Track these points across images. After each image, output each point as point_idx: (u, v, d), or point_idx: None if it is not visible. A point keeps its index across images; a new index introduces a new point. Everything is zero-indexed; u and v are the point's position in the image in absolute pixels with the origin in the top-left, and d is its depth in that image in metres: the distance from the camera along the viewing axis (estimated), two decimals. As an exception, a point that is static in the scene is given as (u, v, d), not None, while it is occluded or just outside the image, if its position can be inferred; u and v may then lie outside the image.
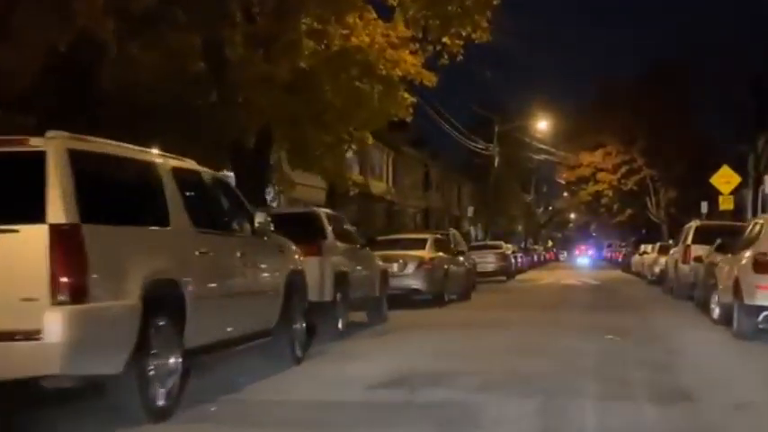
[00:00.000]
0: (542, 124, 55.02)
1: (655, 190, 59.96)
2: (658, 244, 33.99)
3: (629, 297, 24.67)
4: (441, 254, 21.65)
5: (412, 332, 14.37)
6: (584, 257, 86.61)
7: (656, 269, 31.06)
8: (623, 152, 58.19)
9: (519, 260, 46.04)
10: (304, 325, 10.12)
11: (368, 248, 15.87)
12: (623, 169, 58.71)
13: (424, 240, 21.96)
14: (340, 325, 12.95)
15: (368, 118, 20.77)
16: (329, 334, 12.36)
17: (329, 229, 13.54)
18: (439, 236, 24.18)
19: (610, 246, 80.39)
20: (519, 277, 39.94)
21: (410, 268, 19.79)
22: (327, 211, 15.51)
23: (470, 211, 59.35)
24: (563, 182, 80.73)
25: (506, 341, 12.82)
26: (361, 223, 37.21)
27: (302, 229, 12.12)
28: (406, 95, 21.07)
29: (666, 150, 54.89)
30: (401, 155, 59.13)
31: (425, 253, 20.71)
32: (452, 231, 27.74)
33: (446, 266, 21.41)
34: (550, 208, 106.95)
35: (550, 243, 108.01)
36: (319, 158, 21.36)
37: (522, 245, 60.57)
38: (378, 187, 51.17)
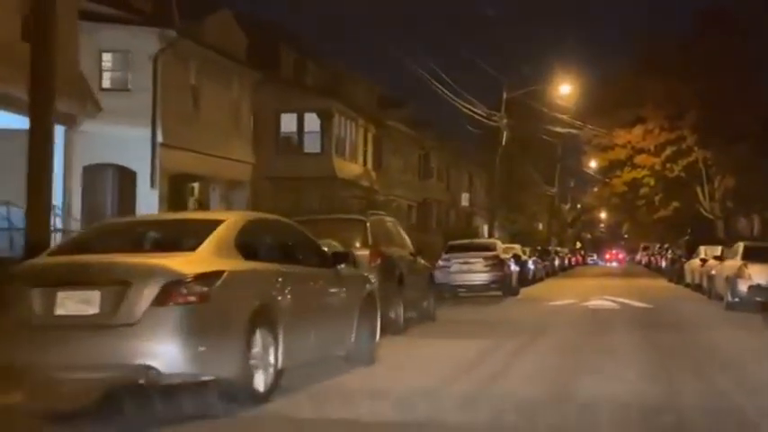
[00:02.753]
0: (565, 89, 42.69)
1: (708, 177, 47.54)
2: (742, 246, 22.01)
3: (733, 349, 12.54)
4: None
5: None
6: (614, 262, 75.07)
7: (743, 286, 19.36)
8: (668, 129, 45.86)
9: (532, 266, 34.01)
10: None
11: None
12: (668, 151, 46.36)
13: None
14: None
15: None
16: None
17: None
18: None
19: (646, 248, 69.48)
20: (528, 291, 28.04)
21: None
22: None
23: (465, 198, 46.80)
24: (592, 172, 68.51)
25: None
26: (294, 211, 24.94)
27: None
28: None
29: (725, 125, 42.55)
30: (388, 132, 47.24)
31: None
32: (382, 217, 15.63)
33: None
34: (579, 206, 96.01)
35: (579, 245, 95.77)
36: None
37: (540, 247, 48.28)
38: (348, 170, 39.23)
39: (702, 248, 30.47)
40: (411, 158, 53.64)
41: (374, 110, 48.26)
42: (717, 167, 46.91)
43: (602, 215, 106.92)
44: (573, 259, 68.16)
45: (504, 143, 41.05)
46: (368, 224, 12.96)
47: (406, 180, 51.12)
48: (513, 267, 24.70)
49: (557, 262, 50.68)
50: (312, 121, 37.57)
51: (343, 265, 9.55)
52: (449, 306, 21.25)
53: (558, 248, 61.30)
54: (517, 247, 33.28)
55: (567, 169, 78.44)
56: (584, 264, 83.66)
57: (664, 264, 46.58)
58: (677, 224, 56.03)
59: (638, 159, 47.19)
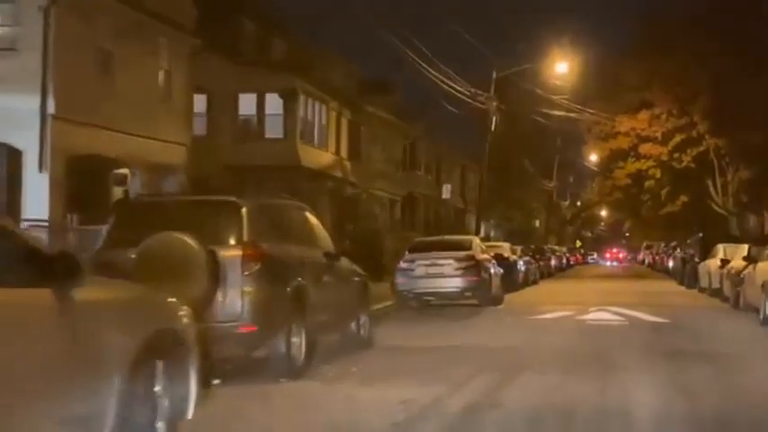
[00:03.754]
0: (562, 67, 37.94)
1: (720, 169, 42.98)
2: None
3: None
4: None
5: None
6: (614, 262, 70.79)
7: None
8: (678, 114, 41.31)
9: (522, 267, 29.47)
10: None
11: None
12: (677, 139, 41.84)
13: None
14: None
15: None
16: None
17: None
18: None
19: (649, 247, 65.41)
20: (515, 297, 23.48)
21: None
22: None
23: (446, 190, 42.07)
24: (592, 166, 63.94)
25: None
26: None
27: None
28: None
29: (741, 110, 38.00)
30: (368, 119, 42.69)
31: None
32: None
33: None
34: (579, 203, 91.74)
35: (579, 243, 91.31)
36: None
37: (533, 245, 43.69)
38: (316, 158, 34.67)
39: (721, 247, 26.06)
40: (395, 149, 49.05)
41: (354, 94, 43.70)
42: (731, 158, 42.34)
43: (603, 213, 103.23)
44: (572, 259, 63.53)
45: (493, 128, 36.38)
46: (244, 210, 8.40)
47: (388, 172, 46.59)
48: (494, 270, 20.03)
49: (553, 262, 46.07)
50: (274, 103, 33.02)
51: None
52: (407, 320, 16.70)
53: (556, 247, 56.63)
54: (505, 246, 28.73)
55: (567, 163, 73.91)
56: (584, 263, 79.11)
57: (671, 264, 42.03)
58: (685, 221, 51.45)
59: (644, 149, 42.64)
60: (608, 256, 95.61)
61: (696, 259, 30.93)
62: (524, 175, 61.75)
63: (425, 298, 18.65)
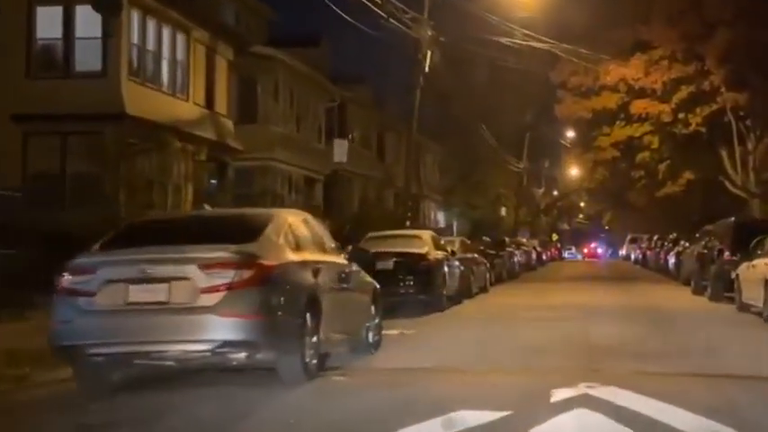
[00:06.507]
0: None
1: (740, 135, 32.07)
2: None
3: None
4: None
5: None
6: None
7: None
8: (684, 58, 30.32)
9: (449, 270, 18.37)
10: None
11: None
12: (683, 93, 30.83)
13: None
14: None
15: None
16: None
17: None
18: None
19: (634, 241, 57.22)
20: (407, 340, 12.41)
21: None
22: None
23: (339, 148, 30.20)
24: (568, 143, 53.14)
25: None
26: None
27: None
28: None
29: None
30: (264, 67, 31.71)
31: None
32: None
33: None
34: (555, 193, 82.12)
35: (555, 237, 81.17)
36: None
37: (484, 237, 32.65)
38: (157, 106, 23.25)
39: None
40: (315, 113, 37.85)
41: (254, 39, 32.62)
42: (754, 119, 31.38)
43: (582, 204, 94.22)
44: (544, 254, 52.53)
45: (427, 68, 25.20)
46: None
47: (301, 141, 35.40)
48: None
49: (517, 259, 34.97)
50: (89, 20, 21.74)
51: None
52: None
53: (523, 240, 45.48)
54: (424, 236, 17.71)
55: (540, 143, 63.03)
56: (559, 258, 68.29)
57: (672, 261, 31.22)
58: (687, 207, 40.60)
59: (637, 106, 31.53)
60: (586, 251, 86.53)
61: (727, 256, 20.04)
62: (485, 150, 50.49)
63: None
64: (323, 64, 38.92)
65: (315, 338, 8.08)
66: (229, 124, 28.43)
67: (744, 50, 28.43)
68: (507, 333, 12.93)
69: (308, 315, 7.89)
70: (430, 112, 44.75)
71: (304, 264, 8.18)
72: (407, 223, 26.39)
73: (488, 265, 25.02)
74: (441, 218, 60.20)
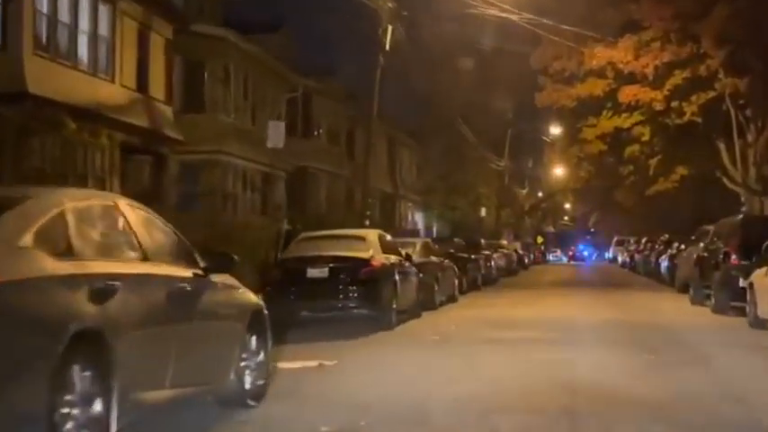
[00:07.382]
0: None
1: (739, 125, 29.04)
2: None
3: None
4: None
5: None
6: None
7: None
8: (678, 40, 27.23)
9: (402, 279, 15.17)
10: None
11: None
12: (677, 78, 27.72)
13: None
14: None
15: None
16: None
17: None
18: None
19: (621, 243, 56.25)
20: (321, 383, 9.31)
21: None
22: None
23: (273, 132, 26.93)
24: (551, 139, 50.19)
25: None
26: None
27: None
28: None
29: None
30: (211, 48, 28.56)
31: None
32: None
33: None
34: (540, 194, 79.75)
35: (540, 239, 78.56)
36: None
37: (457, 239, 29.54)
38: (69, 85, 19.94)
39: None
40: (275, 104, 34.65)
41: (208, 21, 29.47)
42: (755, 108, 28.36)
43: (567, 206, 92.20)
44: (526, 257, 49.40)
45: (388, 46, 22.02)
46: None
47: (257, 134, 32.14)
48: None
49: (494, 263, 31.80)
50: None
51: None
52: None
53: (502, 242, 42.28)
54: (370, 237, 14.52)
55: (523, 139, 60.12)
56: (544, 261, 65.28)
57: (665, 265, 28.28)
58: (677, 206, 37.63)
59: (626, 93, 28.36)
60: (569, 254, 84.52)
61: (735, 261, 16.97)
62: (465, 148, 47.39)
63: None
64: (286, 52, 35.72)
65: (98, 406, 4.77)
66: (168, 111, 25.13)
67: (744, 30, 25.35)
68: (462, 367, 9.70)
69: (73, 369, 4.55)
70: (407, 108, 41.70)
71: (74, 279, 4.76)
72: (366, 222, 23.17)
73: (458, 270, 21.82)
74: (419, 219, 57.22)
